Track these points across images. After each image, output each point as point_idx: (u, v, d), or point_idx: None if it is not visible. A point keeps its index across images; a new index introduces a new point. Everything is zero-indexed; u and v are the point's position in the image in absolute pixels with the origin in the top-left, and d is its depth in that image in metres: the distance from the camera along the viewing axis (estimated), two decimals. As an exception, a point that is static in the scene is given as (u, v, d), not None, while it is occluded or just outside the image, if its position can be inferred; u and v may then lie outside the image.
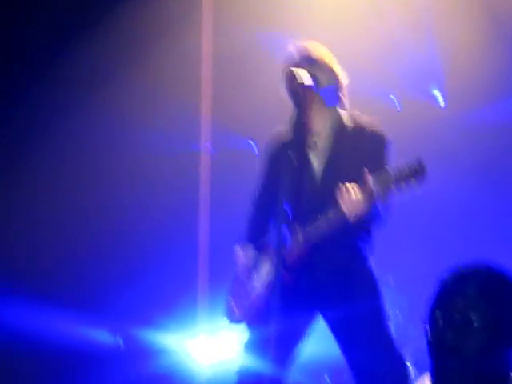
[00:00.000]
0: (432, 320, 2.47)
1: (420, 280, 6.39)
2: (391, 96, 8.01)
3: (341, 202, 3.75)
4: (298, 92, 3.84)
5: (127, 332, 8.13)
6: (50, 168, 8.19)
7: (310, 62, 4.11)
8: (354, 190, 3.70)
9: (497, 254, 6.94)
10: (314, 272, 4.08)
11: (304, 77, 3.90)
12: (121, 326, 8.15)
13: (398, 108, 7.82)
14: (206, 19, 8.04)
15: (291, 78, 3.96)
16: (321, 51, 4.19)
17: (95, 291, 8.35)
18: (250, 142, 8.72)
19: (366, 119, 4.20)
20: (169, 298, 8.20)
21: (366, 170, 3.73)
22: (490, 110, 7.50)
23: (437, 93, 7.89)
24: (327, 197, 3.95)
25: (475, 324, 2.36)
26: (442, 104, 7.81)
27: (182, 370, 7.75)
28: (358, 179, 3.74)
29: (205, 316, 8.17)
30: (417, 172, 3.64)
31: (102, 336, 8.11)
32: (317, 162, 4.15)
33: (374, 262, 4.18)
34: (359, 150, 4.07)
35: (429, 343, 2.47)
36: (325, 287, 4.10)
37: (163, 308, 8.14)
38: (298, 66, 4.07)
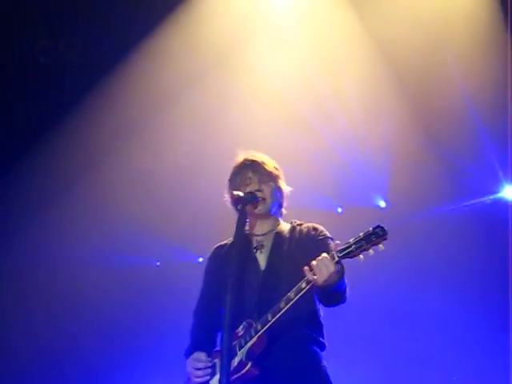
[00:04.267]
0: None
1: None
2: (338, 209, 8.14)
3: (307, 271, 3.69)
4: (239, 204, 3.90)
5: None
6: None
7: (259, 172, 4.16)
8: (323, 257, 3.68)
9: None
10: (275, 371, 3.93)
11: (241, 193, 3.97)
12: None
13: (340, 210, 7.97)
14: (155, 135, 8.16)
15: (234, 196, 4.03)
16: (273, 167, 4.24)
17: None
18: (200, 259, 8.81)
19: (306, 223, 4.26)
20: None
21: (332, 244, 3.75)
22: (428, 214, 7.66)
23: (380, 200, 8.04)
24: (274, 288, 3.94)
25: None
26: (383, 205, 7.99)
27: None
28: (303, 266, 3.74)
29: None
30: (377, 235, 3.62)
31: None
32: (262, 259, 4.17)
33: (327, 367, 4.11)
34: (299, 242, 4.12)
35: None
36: None
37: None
38: (243, 176, 4.16)
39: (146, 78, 7.88)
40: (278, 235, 4.22)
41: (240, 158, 4.29)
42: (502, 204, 7.55)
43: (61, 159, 8.22)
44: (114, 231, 8.37)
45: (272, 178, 4.21)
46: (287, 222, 4.33)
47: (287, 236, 4.21)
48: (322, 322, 4.14)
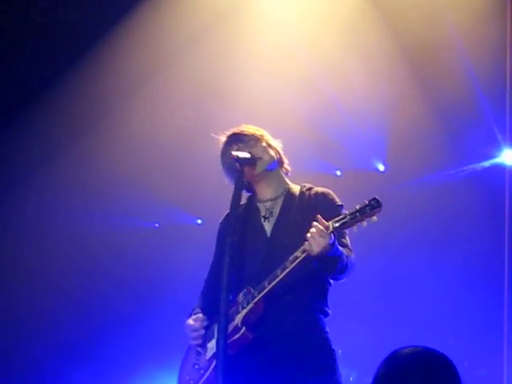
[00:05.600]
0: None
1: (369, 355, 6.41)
2: (337, 172, 8.16)
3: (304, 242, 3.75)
4: (235, 169, 3.94)
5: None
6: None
7: (242, 140, 4.18)
8: (317, 226, 3.71)
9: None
10: (273, 337, 3.94)
11: (239, 153, 4.01)
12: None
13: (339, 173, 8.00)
14: (154, 97, 8.13)
15: (225, 158, 4.11)
16: (254, 129, 4.24)
17: (44, 375, 8.28)
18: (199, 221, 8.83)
19: (317, 187, 4.26)
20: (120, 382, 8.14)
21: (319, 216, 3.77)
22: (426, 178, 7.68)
23: (379, 163, 8.06)
24: (278, 256, 3.92)
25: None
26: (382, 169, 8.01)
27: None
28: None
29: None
30: (372, 207, 3.67)
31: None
32: (269, 227, 4.18)
33: (330, 334, 4.12)
34: (309, 208, 4.07)
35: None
36: (283, 357, 3.96)
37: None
38: (230, 146, 4.16)
39: (145, 40, 7.84)
40: (287, 201, 4.20)
41: (221, 140, 4.29)
42: (500, 168, 7.56)
43: (59, 120, 8.22)
44: (112, 192, 8.40)
45: (257, 138, 4.21)
46: (297, 185, 4.30)
47: (296, 202, 4.19)
48: (326, 290, 4.11)
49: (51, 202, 8.45)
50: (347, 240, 4.04)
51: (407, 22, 7.32)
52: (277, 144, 4.29)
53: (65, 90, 8.05)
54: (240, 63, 7.72)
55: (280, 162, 4.27)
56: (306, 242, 3.75)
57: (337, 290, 4.14)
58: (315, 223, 3.75)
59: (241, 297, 3.99)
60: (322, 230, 3.72)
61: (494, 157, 7.67)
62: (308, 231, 3.76)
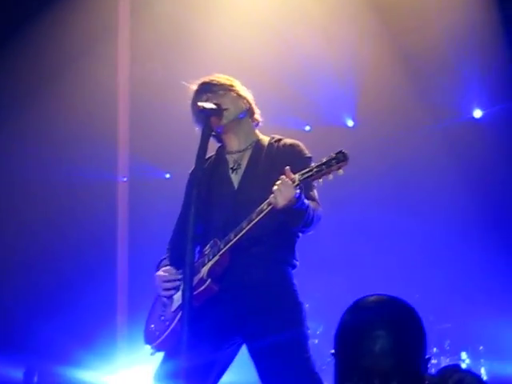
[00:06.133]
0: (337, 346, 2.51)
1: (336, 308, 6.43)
2: (306, 127, 8.14)
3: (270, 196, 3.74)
4: (202, 119, 3.88)
5: (46, 368, 8.00)
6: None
7: (211, 90, 4.12)
8: (283, 179, 3.70)
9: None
10: (239, 290, 3.94)
11: (205, 103, 3.96)
12: (39, 362, 8.04)
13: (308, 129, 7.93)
14: (122, 49, 8.01)
15: (194, 108, 4.06)
16: (224, 79, 4.19)
17: (13, 326, 8.26)
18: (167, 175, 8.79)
19: (286, 138, 4.23)
20: (88, 333, 8.10)
21: (288, 168, 3.75)
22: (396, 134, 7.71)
23: (348, 119, 8.06)
24: (245, 208, 3.87)
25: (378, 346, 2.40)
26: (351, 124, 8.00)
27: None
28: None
29: (124, 351, 8.10)
30: (338, 160, 3.64)
31: (19, 373, 8.00)
32: (236, 179, 4.14)
33: (297, 285, 4.12)
34: (277, 160, 4.03)
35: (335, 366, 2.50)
36: (249, 310, 3.94)
37: (83, 344, 8.03)
38: (200, 95, 4.11)
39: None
40: (255, 153, 4.16)
41: (191, 89, 4.23)
42: (472, 125, 7.62)
43: (25, 69, 8.06)
44: (80, 145, 8.31)
45: (226, 88, 4.15)
46: (266, 136, 4.25)
47: (264, 154, 4.15)
48: (293, 242, 4.09)
49: (19, 152, 8.35)
50: (315, 193, 4.01)
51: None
52: (247, 94, 4.22)
53: (32, 38, 7.88)
54: (207, 13, 7.63)
55: (250, 113, 4.21)
56: (272, 195, 3.72)
57: (305, 242, 4.14)
58: (282, 176, 3.73)
59: (207, 249, 3.98)
60: (288, 183, 3.69)
61: (467, 114, 7.72)
62: (275, 184, 3.73)
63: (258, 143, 4.20)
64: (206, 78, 4.23)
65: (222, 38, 7.54)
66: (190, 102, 4.21)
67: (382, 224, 7.58)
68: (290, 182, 3.69)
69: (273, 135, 4.26)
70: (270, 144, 4.20)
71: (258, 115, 4.26)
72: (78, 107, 8.16)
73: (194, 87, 4.23)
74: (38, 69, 8.04)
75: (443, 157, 7.56)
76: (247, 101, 4.21)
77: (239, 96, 4.18)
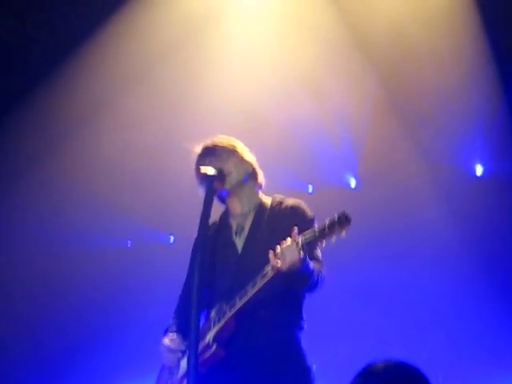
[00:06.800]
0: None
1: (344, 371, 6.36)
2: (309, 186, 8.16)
3: (272, 257, 3.71)
4: (205, 184, 3.88)
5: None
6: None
7: (214, 153, 4.11)
8: (285, 242, 3.67)
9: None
10: (246, 355, 3.89)
11: (208, 169, 3.94)
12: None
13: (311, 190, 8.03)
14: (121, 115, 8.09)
15: (197, 173, 4.04)
16: (227, 142, 4.19)
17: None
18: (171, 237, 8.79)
19: (288, 199, 4.24)
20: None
21: (294, 229, 3.73)
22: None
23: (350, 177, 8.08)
24: (249, 272, 3.88)
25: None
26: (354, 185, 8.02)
27: None
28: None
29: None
30: (340, 222, 3.65)
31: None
32: (240, 243, 4.15)
33: (305, 348, 4.06)
34: (279, 222, 4.04)
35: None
36: (256, 375, 3.88)
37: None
38: (203, 159, 4.11)
39: (112, 58, 7.78)
40: (258, 216, 4.16)
41: (195, 152, 4.23)
42: (473, 184, 7.63)
43: (28, 136, 8.13)
44: (83, 211, 8.32)
45: (229, 152, 4.15)
46: (269, 197, 4.26)
47: (267, 216, 4.15)
48: (300, 303, 4.08)
49: (21, 219, 8.37)
50: (318, 252, 4.00)
51: (377, 42, 7.34)
52: (251, 157, 4.23)
53: (35, 106, 7.99)
54: (210, 81, 7.71)
55: (253, 177, 4.21)
56: (275, 258, 3.71)
57: (312, 302, 4.11)
58: (286, 239, 3.71)
59: (213, 313, 3.96)
60: (292, 247, 3.68)
61: (469, 173, 7.73)
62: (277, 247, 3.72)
63: (260, 206, 4.21)
64: (209, 141, 4.23)
65: (221, 102, 7.59)
66: (192, 165, 4.20)
67: (386, 284, 7.53)
68: (295, 246, 3.68)
69: (275, 195, 4.26)
70: (272, 206, 4.20)
71: (261, 178, 4.25)
72: (80, 173, 8.20)
73: (197, 150, 4.23)
74: (39, 136, 8.11)
75: (444, 214, 7.55)
76: (250, 164, 4.21)
77: (242, 160, 4.18)
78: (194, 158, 4.22)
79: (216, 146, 4.19)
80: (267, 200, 4.25)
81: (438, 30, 7.24)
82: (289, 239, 3.71)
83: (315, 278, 3.87)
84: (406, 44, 7.32)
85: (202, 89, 7.71)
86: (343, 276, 7.21)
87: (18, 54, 7.81)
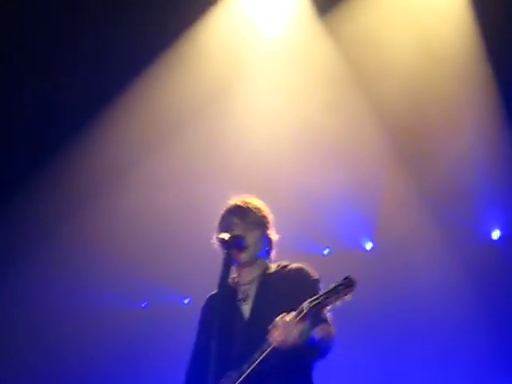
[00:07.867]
0: None
1: None
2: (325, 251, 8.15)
3: (272, 330, 3.68)
4: (223, 250, 3.89)
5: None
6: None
7: (243, 217, 4.07)
8: (286, 316, 3.66)
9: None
10: None
11: (226, 236, 3.92)
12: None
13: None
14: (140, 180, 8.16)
15: (219, 238, 3.99)
16: (259, 210, 4.14)
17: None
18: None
19: (292, 263, 4.18)
20: None
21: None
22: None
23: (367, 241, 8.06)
24: (257, 339, 3.79)
25: None
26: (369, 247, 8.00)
27: None
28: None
29: None
30: (345, 285, 3.60)
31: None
32: (247, 310, 4.10)
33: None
34: (284, 286, 4.00)
35: None
36: None
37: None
38: (228, 222, 4.07)
39: (136, 121, 7.90)
40: (263, 283, 4.13)
41: (230, 202, 4.20)
42: (491, 248, 7.58)
43: (48, 198, 8.20)
44: (101, 270, 8.34)
45: (258, 225, 4.11)
46: (274, 264, 4.22)
47: (272, 282, 4.11)
48: (309, 368, 4.03)
49: (42, 279, 8.40)
50: (327, 313, 3.89)
51: (392, 108, 7.38)
52: (273, 235, 4.19)
53: (58, 169, 8.08)
54: (227, 145, 7.77)
55: (268, 253, 4.19)
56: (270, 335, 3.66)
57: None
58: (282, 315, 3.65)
59: (223, 382, 3.91)
60: (289, 324, 3.63)
61: (486, 237, 7.70)
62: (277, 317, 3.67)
63: (265, 272, 4.17)
64: (244, 201, 4.19)
65: (243, 160, 7.64)
66: (219, 214, 4.17)
67: (398, 350, 7.46)
68: (292, 323, 3.62)
69: (280, 261, 4.22)
70: (276, 271, 4.16)
71: (273, 254, 4.21)
72: (99, 234, 8.24)
73: (229, 202, 4.19)
74: (59, 198, 8.18)
75: (460, 280, 7.49)
76: (271, 242, 4.17)
77: (267, 236, 4.15)
78: (224, 208, 4.20)
79: (249, 209, 4.15)
80: (272, 265, 4.21)
81: (451, 98, 7.27)
82: (285, 314, 3.65)
83: (321, 348, 3.81)
84: (421, 109, 7.37)
85: (224, 146, 7.77)
86: (356, 339, 7.18)
87: (43, 116, 7.91)
